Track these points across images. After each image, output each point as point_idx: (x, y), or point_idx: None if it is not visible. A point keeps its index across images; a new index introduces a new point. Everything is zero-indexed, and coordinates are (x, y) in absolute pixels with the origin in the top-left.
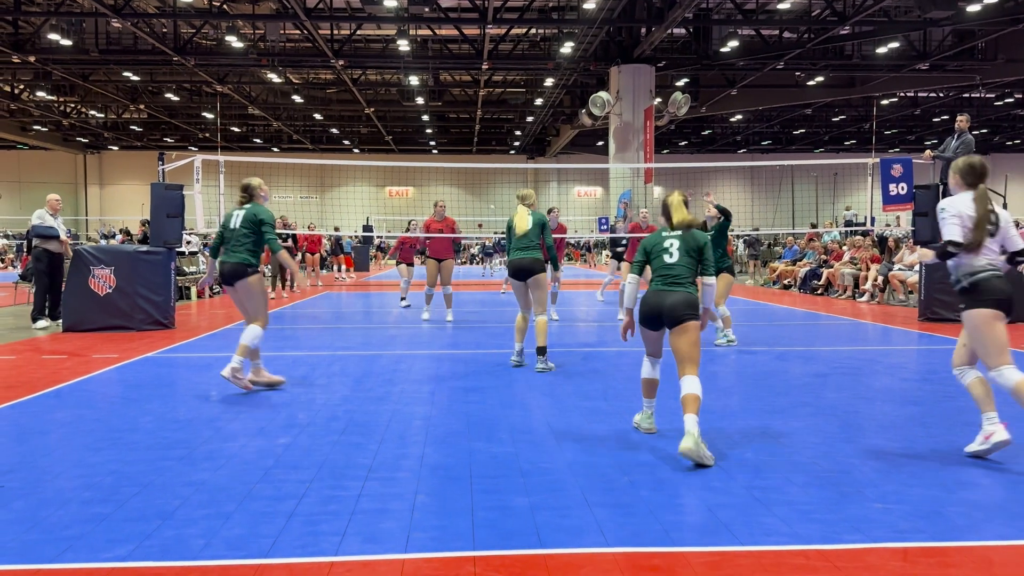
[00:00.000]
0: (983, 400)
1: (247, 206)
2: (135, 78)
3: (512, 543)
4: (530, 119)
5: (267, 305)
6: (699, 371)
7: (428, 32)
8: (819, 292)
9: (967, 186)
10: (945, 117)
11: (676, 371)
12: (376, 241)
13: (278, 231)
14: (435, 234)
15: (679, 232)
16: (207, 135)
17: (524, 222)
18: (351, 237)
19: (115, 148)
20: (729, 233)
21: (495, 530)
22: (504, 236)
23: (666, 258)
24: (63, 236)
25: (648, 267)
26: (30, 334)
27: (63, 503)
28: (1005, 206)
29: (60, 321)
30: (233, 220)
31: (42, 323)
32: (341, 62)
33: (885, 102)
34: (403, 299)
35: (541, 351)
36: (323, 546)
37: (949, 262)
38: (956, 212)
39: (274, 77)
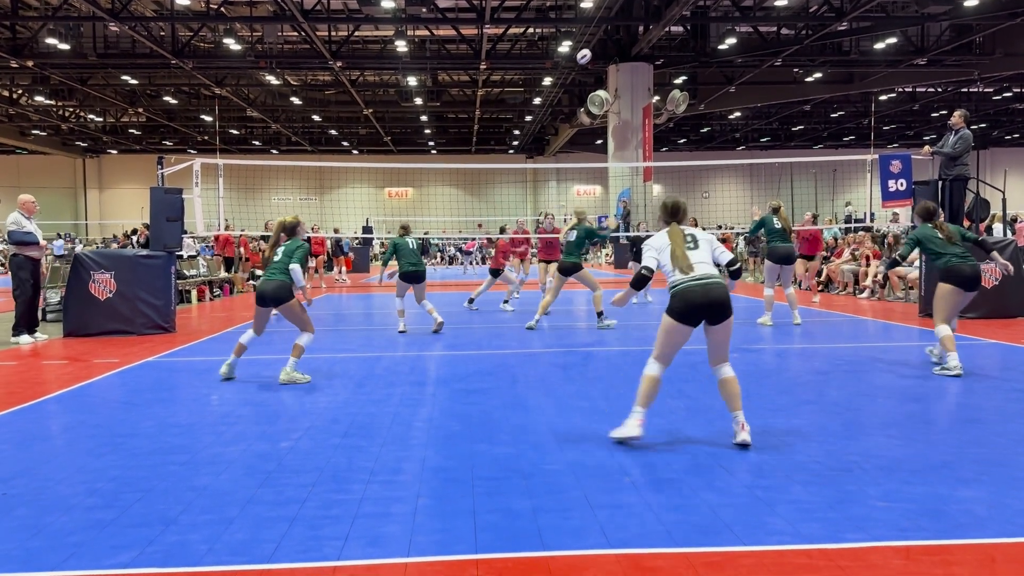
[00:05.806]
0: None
1: None
2: (133, 81)
3: (515, 545)
4: (529, 118)
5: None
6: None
7: (426, 32)
8: (819, 289)
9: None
10: (944, 112)
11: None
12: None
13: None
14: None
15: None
16: (206, 138)
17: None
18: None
19: (114, 152)
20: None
21: (497, 533)
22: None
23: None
24: (42, 241)
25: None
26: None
27: (66, 509)
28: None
29: (38, 335)
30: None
31: (26, 338)
32: (339, 63)
33: (883, 97)
34: (506, 302)
35: (600, 315)
36: (326, 550)
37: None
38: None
39: (272, 79)
